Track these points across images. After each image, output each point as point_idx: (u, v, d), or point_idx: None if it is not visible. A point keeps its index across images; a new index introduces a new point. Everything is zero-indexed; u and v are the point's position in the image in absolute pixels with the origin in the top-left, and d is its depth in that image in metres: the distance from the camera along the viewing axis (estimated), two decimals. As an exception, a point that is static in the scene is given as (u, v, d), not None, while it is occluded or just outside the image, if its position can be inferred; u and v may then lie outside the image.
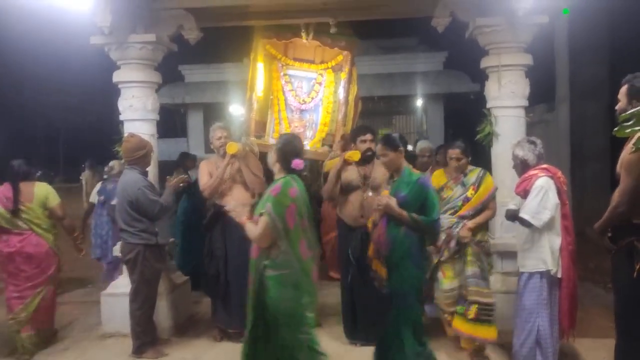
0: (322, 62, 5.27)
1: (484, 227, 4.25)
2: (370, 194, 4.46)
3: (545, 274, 3.64)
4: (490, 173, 4.87)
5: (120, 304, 4.60)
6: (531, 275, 3.68)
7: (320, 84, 5.29)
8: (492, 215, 4.29)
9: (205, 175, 4.74)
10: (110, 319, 4.84)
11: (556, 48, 10.02)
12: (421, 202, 3.55)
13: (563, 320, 3.70)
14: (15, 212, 4.39)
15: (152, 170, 4.78)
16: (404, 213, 3.52)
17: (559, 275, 3.65)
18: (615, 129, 2.23)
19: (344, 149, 4.85)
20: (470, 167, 4.25)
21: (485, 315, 4.00)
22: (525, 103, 4.74)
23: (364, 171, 4.51)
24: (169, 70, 7.87)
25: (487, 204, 4.21)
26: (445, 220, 4.09)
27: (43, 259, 4.50)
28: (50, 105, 30.94)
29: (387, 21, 6.88)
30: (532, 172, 3.67)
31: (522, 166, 3.74)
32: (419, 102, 15.25)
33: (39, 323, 4.54)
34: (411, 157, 5.04)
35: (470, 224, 4.10)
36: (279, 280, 3.11)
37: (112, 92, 5.21)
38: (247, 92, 5.26)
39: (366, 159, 4.50)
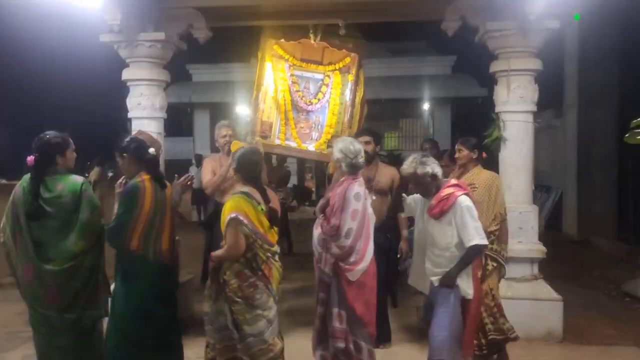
0: (329, 64, 5.25)
1: (230, 265, 3.16)
2: (374, 197, 4.44)
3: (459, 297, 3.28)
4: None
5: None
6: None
7: (327, 85, 5.26)
8: (227, 253, 3.13)
9: (209, 172, 4.71)
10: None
11: (566, 53, 9.97)
12: None
13: (468, 340, 3.37)
14: None
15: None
16: None
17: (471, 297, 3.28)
18: (626, 135, 2.22)
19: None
20: None
21: None
22: (534, 108, 4.71)
23: (367, 173, 4.48)
24: (176, 70, 7.87)
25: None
26: None
27: None
28: (58, 101, 31.09)
29: (396, 24, 6.87)
30: (446, 190, 3.38)
31: (433, 182, 3.41)
32: (426, 106, 15.24)
33: None
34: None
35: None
36: None
37: (120, 89, 5.22)
38: (253, 91, 5.25)
39: None
